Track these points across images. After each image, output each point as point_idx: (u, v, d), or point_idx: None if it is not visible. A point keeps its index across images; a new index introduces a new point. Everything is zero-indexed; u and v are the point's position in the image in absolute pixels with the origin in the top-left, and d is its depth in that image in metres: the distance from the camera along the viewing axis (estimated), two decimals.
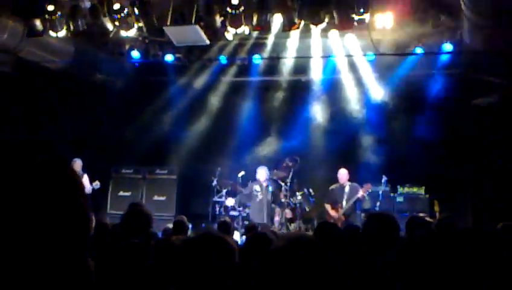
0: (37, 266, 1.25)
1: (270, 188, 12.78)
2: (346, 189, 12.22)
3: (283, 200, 12.95)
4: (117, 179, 14.76)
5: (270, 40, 12.71)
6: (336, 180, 12.55)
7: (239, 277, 2.66)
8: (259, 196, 12.72)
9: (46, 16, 10.21)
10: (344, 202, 12.11)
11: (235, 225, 12.31)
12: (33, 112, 12.42)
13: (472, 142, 11.54)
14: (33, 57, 11.63)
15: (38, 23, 10.49)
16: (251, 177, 13.49)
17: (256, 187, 12.85)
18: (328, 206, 12.36)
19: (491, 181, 10.65)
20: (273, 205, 12.85)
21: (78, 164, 12.20)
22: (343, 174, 12.39)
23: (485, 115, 9.52)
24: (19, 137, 11.82)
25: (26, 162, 1.29)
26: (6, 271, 1.22)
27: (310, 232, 9.54)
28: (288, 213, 12.94)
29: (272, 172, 13.22)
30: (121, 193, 14.46)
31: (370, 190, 12.13)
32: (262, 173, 12.89)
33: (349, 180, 12.34)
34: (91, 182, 12.39)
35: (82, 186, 1.33)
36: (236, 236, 11.58)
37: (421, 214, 11.20)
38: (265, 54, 13.16)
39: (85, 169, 12.58)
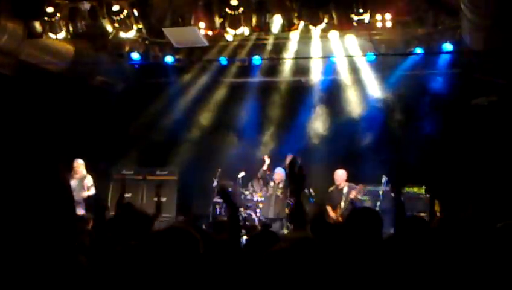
0: (28, 261, 1.26)
1: (281, 185, 12.88)
2: (344, 190, 12.17)
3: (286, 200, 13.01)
4: (118, 180, 14.72)
5: (270, 41, 12.72)
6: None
7: (204, 266, 2.74)
8: (270, 191, 12.90)
9: (46, 18, 10.22)
10: (342, 203, 12.08)
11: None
12: (33, 114, 12.40)
13: (472, 141, 11.53)
14: (33, 59, 11.62)
15: (37, 25, 10.50)
16: (251, 177, 13.55)
17: (271, 183, 13.00)
18: (329, 208, 12.34)
19: (491, 180, 10.65)
20: (287, 201, 12.93)
21: (80, 164, 12.12)
22: (339, 175, 12.29)
23: (484, 114, 9.54)
24: (18, 139, 11.83)
25: (18, 166, 1.29)
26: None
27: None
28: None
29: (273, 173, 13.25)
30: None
31: (363, 191, 12.08)
32: (279, 174, 13.01)
33: (347, 180, 12.31)
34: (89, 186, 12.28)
35: (69, 191, 1.33)
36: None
37: (422, 214, 11.21)
38: (265, 55, 13.16)
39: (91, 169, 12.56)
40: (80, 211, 11.05)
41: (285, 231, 12.45)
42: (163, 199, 14.11)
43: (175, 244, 2.69)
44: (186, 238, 2.74)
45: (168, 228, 2.79)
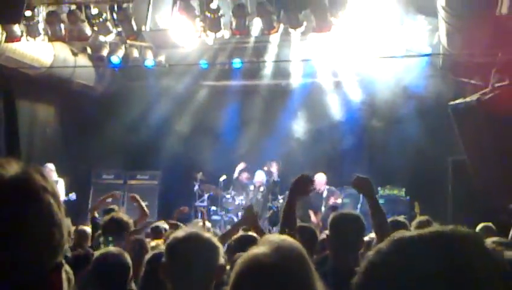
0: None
1: (262, 189, 12.89)
2: (324, 194, 12.24)
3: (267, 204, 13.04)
4: (98, 185, 14.64)
5: (251, 44, 12.74)
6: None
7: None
8: (250, 195, 12.91)
9: (24, 22, 10.13)
10: (323, 208, 12.12)
11: (218, 229, 12.30)
12: (12, 118, 12.31)
13: (451, 144, 11.61)
14: (12, 63, 11.52)
15: (16, 28, 10.41)
16: (232, 181, 13.56)
17: (251, 187, 12.99)
18: (311, 213, 12.38)
19: (471, 183, 10.72)
20: (268, 205, 12.96)
21: (50, 170, 11.92)
22: (319, 179, 12.32)
23: (463, 116, 9.61)
24: None
25: None
26: None
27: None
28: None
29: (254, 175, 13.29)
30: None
31: (339, 200, 12.15)
32: (259, 178, 13.04)
33: (327, 184, 12.35)
34: (67, 192, 12.17)
35: (49, 206, 1.32)
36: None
37: (402, 216, 11.26)
38: (246, 58, 13.19)
39: (65, 172, 12.46)
40: None
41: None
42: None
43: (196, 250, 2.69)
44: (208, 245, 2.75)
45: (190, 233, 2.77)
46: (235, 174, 13.52)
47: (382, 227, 4.14)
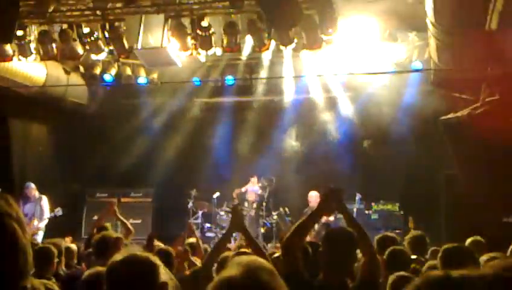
0: None
1: (254, 205, 12.89)
2: None
3: (260, 220, 13.02)
4: (91, 203, 14.59)
5: (243, 61, 12.79)
6: None
7: None
8: (244, 211, 12.89)
9: (16, 41, 10.14)
10: (316, 225, 12.11)
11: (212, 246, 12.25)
12: (4, 138, 12.30)
13: (444, 158, 11.65)
14: (4, 82, 11.53)
15: (8, 48, 10.41)
16: (226, 198, 13.53)
17: (245, 203, 13.01)
18: None
19: (464, 196, 10.75)
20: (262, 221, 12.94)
21: (31, 189, 11.91)
22: (313, 196, 12.45)
23: (454, 131, 9.67)
24: None
25: None
26: None
27: None
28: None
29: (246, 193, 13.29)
30: (96, 217, 14.25)
31: (331, 217, 12.14)
32: (252, 194, 13.04)
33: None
34: (53, 207, 12.11)
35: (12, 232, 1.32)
36: None
37: (397, 231, 11.26)
38: (238, 75, 13.24)
39: (58, 190, 12.44)
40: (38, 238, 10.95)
41: None
42: (138, 221, 14.10)
43: (133, 273, 2.65)
44: (145, 266, 2.70)
45: (126, 256, 2.73)
46: (243, 189, 13.54)
47: (362, 240, 4.16)
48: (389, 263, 5.07)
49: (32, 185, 11.98)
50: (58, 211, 12.05)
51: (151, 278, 2.69)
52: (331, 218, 12.04)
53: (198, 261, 6.72)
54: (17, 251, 1.32)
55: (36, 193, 11.95)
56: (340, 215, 12.54)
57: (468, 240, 6.59)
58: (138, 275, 2.65)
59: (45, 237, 11.12)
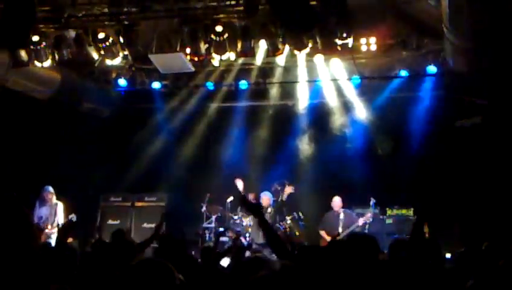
0: None
1: (269, 210, 12.86)
2: (341, 216, 12.36)
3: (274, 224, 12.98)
4: (106, 207, 14.62)
5: (257, 65, 12.77)
6: (325, 204, 12.62)
7: None
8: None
9: (32, 47, 10.22)
10: (340, 229, 12.15)
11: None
12: (20, 142, 12.36)
13: (457, 162, 11.60)
14: (19, 87, 11.61)
15: (23, 53, 10.49)
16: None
17: None
18: (323, 233, 12.43)
19: (478, 201, 10.70)
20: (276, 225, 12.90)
21: (48, 193, 11.99)
22: (337, 201, 12.61)
23: (469, 135, 9.62)
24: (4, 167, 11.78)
25: None
26: None
27: None
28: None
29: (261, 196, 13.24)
30: (110, 222, 14.31)
31: (369, 220, 12.19)
32: (266, 199, 13.01)
33: (342, 207, 12.47)
34: (67, 214, 12.17)
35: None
36: (226, 262, 11.51)
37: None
38: (252, 80, 13.23)
39: (73, 195, 12.49)
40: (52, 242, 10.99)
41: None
42: (152, 226, 14.11)
43: (149, 277, 2.66)
44: (161, 270, 2.71)
45: (141, 261, 2.74)
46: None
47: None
48: None
49: (51, 189, 12.05)
50: (73, 217, 12.10)
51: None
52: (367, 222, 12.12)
53: None
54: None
55: (54, 198, 12.03)
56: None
57: (484, 245, 6.55)
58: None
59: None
